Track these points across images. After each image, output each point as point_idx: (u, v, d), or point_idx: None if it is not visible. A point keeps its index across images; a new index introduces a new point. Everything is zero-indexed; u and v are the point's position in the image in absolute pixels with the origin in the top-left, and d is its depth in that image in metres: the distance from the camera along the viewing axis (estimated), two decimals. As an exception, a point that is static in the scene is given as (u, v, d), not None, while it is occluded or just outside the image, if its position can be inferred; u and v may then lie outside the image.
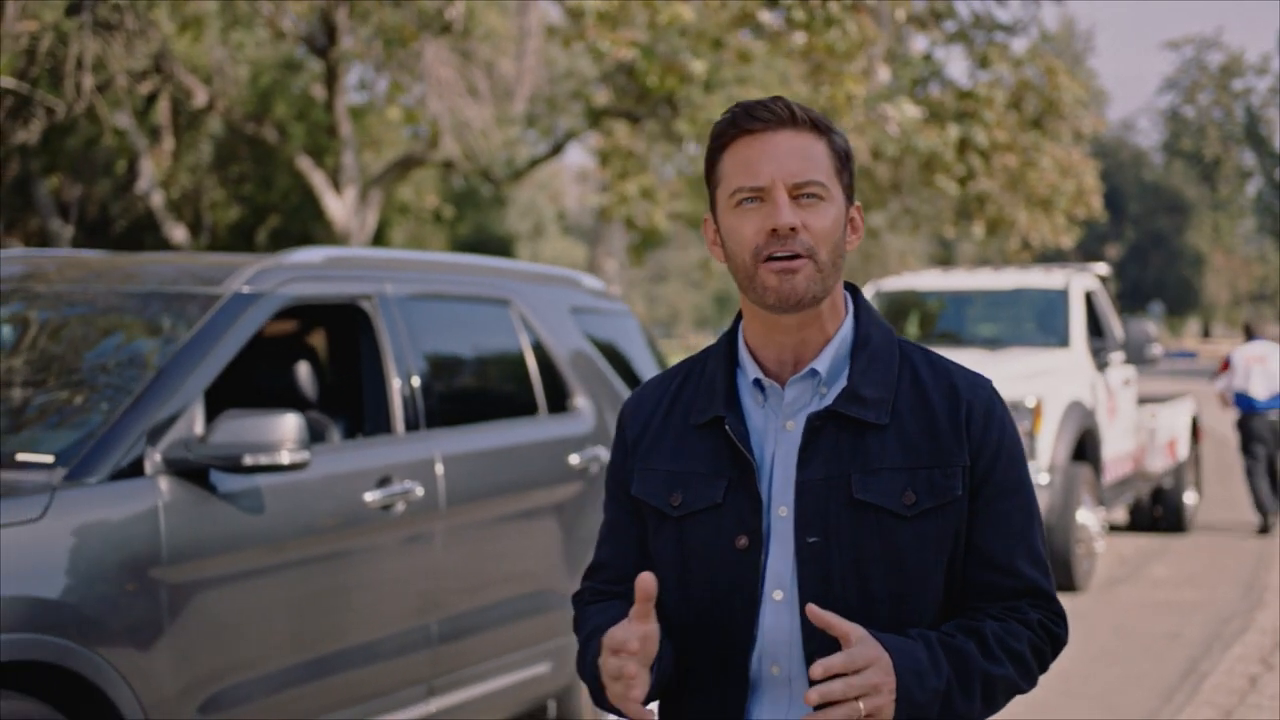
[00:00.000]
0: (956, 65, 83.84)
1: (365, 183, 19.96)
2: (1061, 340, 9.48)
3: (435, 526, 4.22)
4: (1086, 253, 48.90)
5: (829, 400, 1.85)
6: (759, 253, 1.80)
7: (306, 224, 23.25)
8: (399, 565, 4.12)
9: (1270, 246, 60.12)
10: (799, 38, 14.22)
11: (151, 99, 20.02)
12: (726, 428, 1.85)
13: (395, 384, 4.28)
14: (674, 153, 19.20)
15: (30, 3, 15.69)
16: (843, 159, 1.86)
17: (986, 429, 1.86)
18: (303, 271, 4.14)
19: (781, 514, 1.83)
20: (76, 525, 3.26)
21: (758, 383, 1.88)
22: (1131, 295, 50.62)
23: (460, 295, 4.74)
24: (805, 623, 1.79)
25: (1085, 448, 8.91)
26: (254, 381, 4.47)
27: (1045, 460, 8.34)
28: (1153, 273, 53.76)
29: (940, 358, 1.93)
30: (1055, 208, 21.47)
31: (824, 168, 1.83)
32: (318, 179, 19.09)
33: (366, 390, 4.32)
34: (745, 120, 1.83)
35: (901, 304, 10.67)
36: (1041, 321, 9.82)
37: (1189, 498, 11.11)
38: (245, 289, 3.94)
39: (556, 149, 20.96)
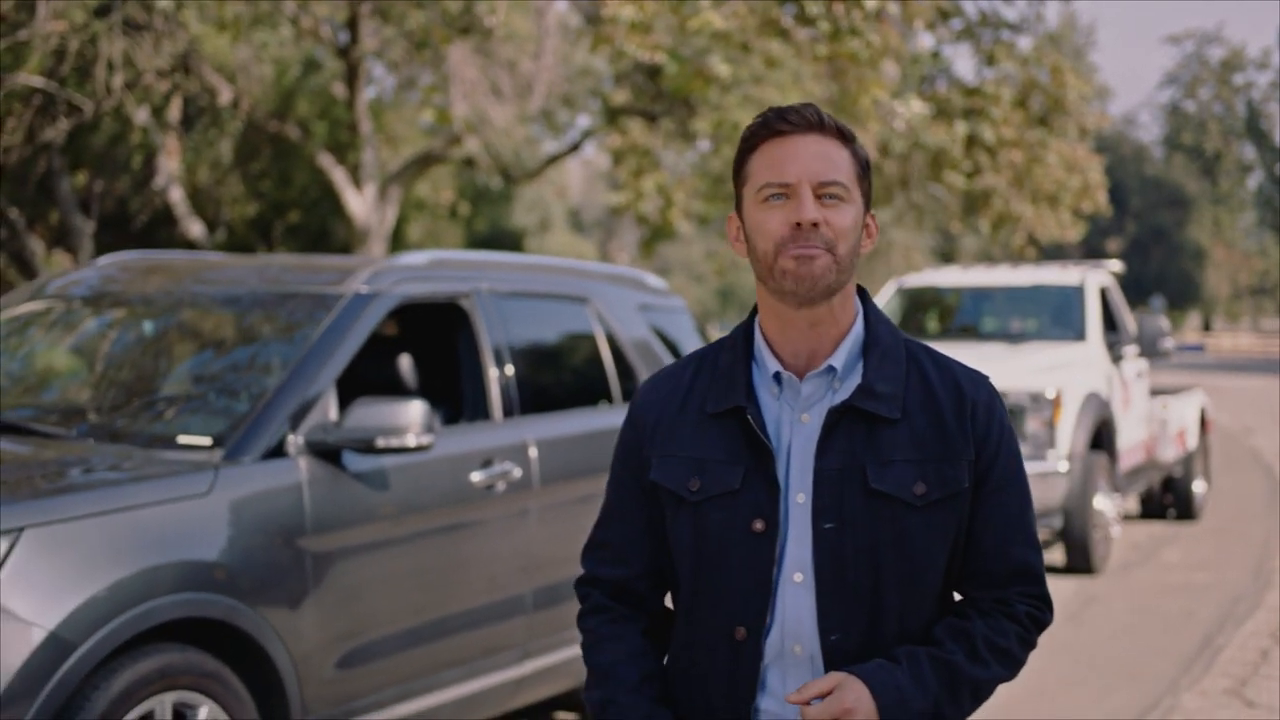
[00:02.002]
0: (963, 63, 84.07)
1: (384, 179, 20.34)
2: (1078, 334, 9.88)
3: (530, 504, 4.65)
4: (1089, 247, 49.24)
5: (844, 395, 1.95)
6: (782, 244, 1.91)
7: (325, 219, 23.65)
8: (500, 539, 4.54)
9: (1271, 240, 60.50)
10: (820, 41, 14.59)
11: (169, 96, 20.38)
12: (748, 417, 1.95)
13: (492, 374, 4.70)
14: (687, 150, 19.58)
15: (60, 3, 16.05)
16: (863, 167, 1.98)
17: (989, 424, 1.99)
18: (412, 273, 4.57)
19: (800, 500, 1.94)
20: (237, 499, 3.69)
21: (777, 376, 1.97)
22: (1133, 289, 50.97)
23: (545, 294, 5.17)
24: (820, 602, 1.92)
25: (1102, 437, 9.31)
26: (357, 374, 4.87)
27: (1064, 449, 8.73)
28: (1154, 267, 54.13)
29: (943, 356, 2.05)
30: (1061, 203, 21.81)
31: (846, 172, 1.94)
32: (338, 175, 19.47)
33: (465, 380, 4.74)
34: (777, 123, 1.94)
35: (922, 300, 11.09)
36: (1058, 316, 10.21)
37: (1198, 486, 11.48)
38: (363, 289, 4.36)
39: (574, 147, 21.35)
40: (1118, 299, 10.62)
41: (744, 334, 2.03)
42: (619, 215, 20.83)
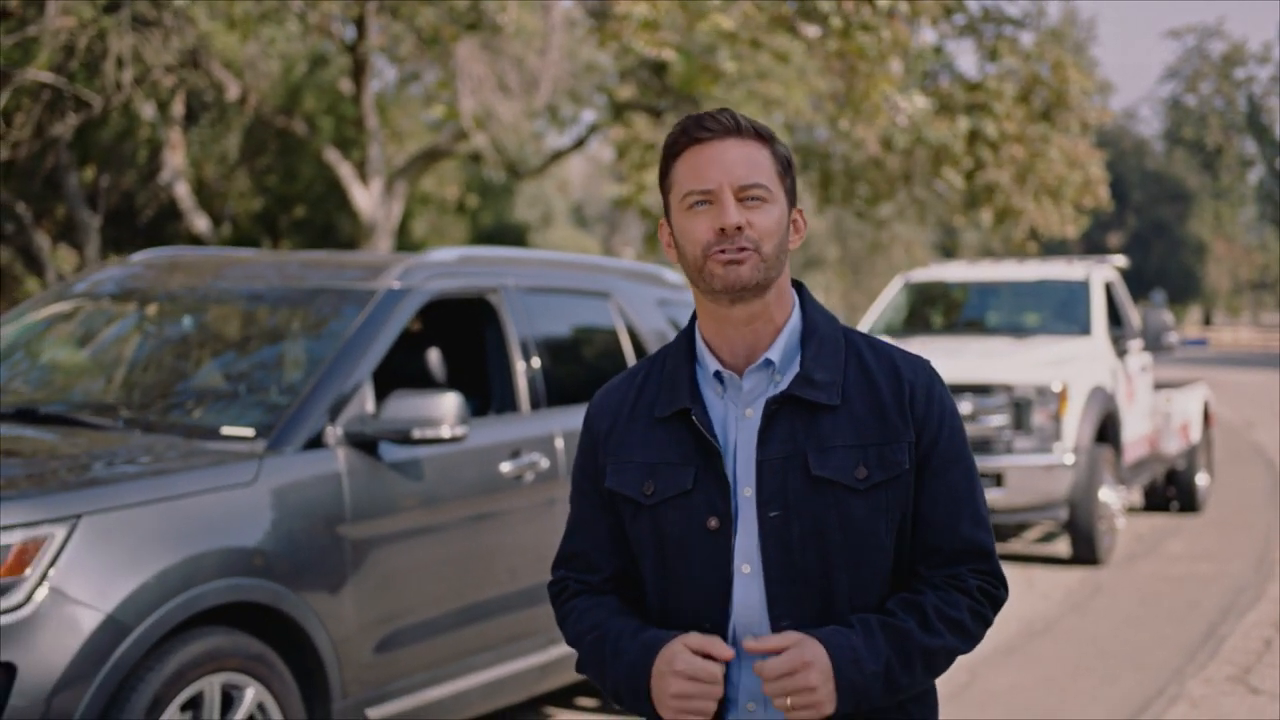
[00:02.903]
0: (966, 59, 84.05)
1: (390, 174, 20.45)
2: (1083, 329, 10.01)
3: (557, 494, 4.78)
4: (1090, 242, 49.33)
5: (784, 385, 1.99)
6: (709, 248, 1.95)
7: (330, 214, 23.78)
8: (527, 528, 4.67)
9: (1271, 235, 60.58)
10: (830, 37, 14.72)
11: (175, 91, 20.48)
12: (693, 418, 1.99)
13: (520, 367, 4.83)
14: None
15: (70, 0, 16.15)
16: (784, 165, 2.01)
17: (929, 406, 2.02)
18: (442, 269, 4.70)
19: (746, 494, 1.97)
20: (280, 488, 3.82)
21: (718, 374, 2.01)
22: (1133, 283, 51.01)
23: (569, 289, 5.30)
24: (769, 591, 1.96)
25: (1107, 430, 9.45)
26: (387, 368, 5.00)
27: (1070, 441, 8.86)
28: (1154, 261, 54.18)
29: (882, 342, 2.08)
30: (1063, 198, 21.90)
31: (767, 172, 1.97)
32: (345, 171, 19.59)
33: (493, 373, 4.88)
34: (695, 130, 1.97)
35: (929, 294, 11.21)
36: (1064, 311, 10.33)
37: (1201, 479, 11.60)
38: (396, 285, 4.49)
39: (580, 142, 21.47)
40: (1122, 294, 10.75)
41: (686, 337, 2.07)
42: (622, 209, 20.95)
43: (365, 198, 19.59)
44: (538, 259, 5.42)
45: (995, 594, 2.07)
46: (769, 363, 2.00)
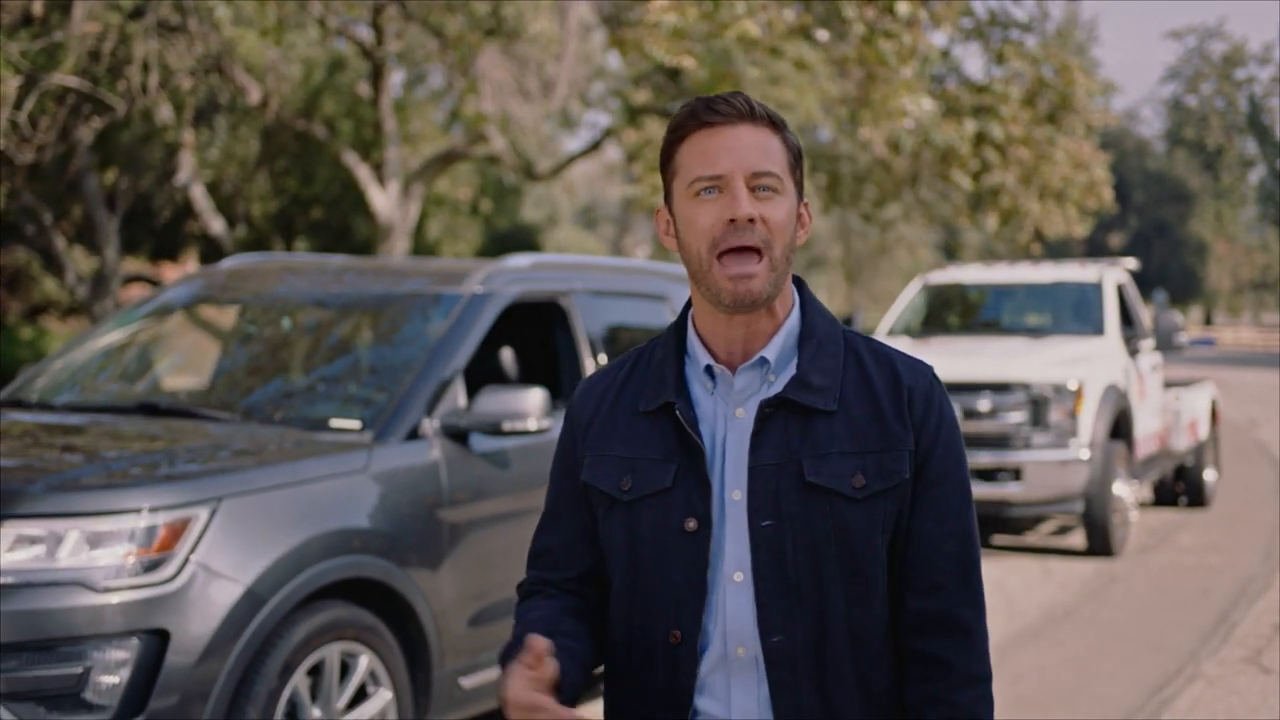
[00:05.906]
0: (972, 62, 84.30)
1: (407, 176, 20.80)
2: (1097, 329, 10.39)
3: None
4: (1092, 242, 49.71)
5: (778, 387, 1.88)
6: (715, 245, 1.83)
7: (346, 215, 24.15)
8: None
9: (1272, 235, 60.91)
10: (847, 41, 15.09)
11: (193, 93, 20.80)
12: (677, 413, 1.88)
13: (589, 364, 5.21)
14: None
15: (96, 4, 16.47)
16: (795, 156, 1.91)
17: (927, 412, 1.90)
18: (519, 274, 5.08)
19: (735, 498, 1.87)
20: (388, 475, 4.20)
21: (709, 369, 1.90)
22: (1135, 283, 51.38)
23: (629, 292, 5.68)
24: (759, 604, 1.84)
25: (1120, 427, 9.84)
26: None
27: (1085, 438, 9.24)
28: (1156, 261, 54.53)
29: (883, 345, 1.97)
30: (1067, 199, 22.18)
31: (779, 161, 1.86)
32: (363, 173, 19.93)
33: (563, 370, 5.26)
34: (705, 113, 1.86)
35: (947, 296, 11.59)
36: (1078, 312, 10.71)
37: (1209, 475, 11.96)
38: (479, 289, 4.87)
39: (595, 145, 21.86)
40: (1133, 295, 11.13)
41: (677, 328, 1.96)
42: (634, 211, 21.31)
43: (383, 200, 19.94)
44: (601, 265, 5.80)
45: (976, 676, 1.90)
46: (764, 361, 1.90)
